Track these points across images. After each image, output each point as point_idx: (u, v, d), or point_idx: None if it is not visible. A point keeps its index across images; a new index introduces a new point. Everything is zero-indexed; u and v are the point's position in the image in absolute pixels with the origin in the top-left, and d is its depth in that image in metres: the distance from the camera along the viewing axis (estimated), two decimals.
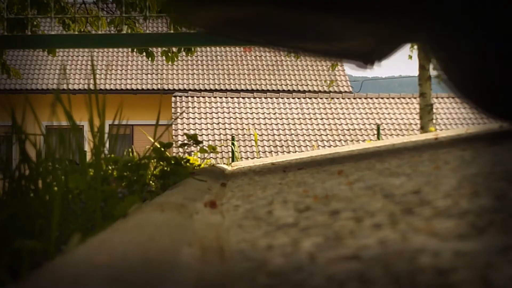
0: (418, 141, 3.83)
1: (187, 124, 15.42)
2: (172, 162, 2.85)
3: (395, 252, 0.56)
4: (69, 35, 6.07)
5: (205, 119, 15.73)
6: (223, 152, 13.17)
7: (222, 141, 14.20)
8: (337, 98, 16.56)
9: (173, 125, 14.78)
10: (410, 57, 10.81)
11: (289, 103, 16.30)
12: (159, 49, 8.20)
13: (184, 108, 15.91)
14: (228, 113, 15.95)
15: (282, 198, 1.20)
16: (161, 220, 0.89)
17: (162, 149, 2.42)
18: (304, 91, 17.54)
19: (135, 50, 8.06)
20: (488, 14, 1.92)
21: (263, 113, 15.93)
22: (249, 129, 15.01)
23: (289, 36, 2.22)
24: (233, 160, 8.54)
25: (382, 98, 16.73)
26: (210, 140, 14.65)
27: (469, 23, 1.96)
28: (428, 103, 9.35)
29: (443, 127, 10.22)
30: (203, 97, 16.46)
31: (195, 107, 16.04)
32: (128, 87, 17.63)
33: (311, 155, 4.44)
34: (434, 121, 8.36)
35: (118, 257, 0.60)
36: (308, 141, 14.77)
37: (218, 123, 15.62)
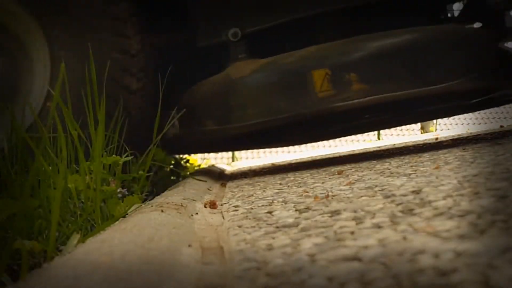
0: (419, 141, 3.83)
1: None
2: (172, 162, 2.85)
3: (396, 252, 0.56)
4: None
5: None
6: (223, 152, 13.13)
7: None
8: None
9: None
10: None
11: None
12: None
13: None
14: None
15: (282, 199, 1.20)
16: (161, 220, 0.89)
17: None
18: None
19: None
20: None
21: None
22: None
23: None
24: (233, 160, 8.53)
25: None
26: None
27: None
28: None
29: (443, 127, 10.21)
30: None
31: None
32: None
33: (311, 155, 4.44)
34: (434, 121, 8.36)
35: (117, 258, 0.59)
36: None
37: None
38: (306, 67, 2.07)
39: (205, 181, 1.96)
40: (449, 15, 2.61)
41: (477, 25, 2.46)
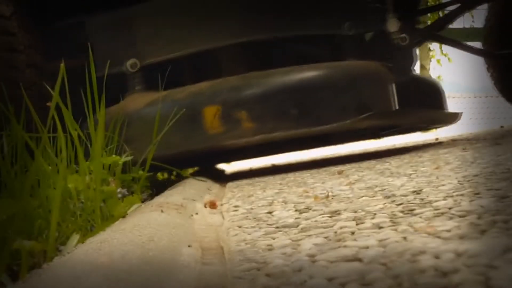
0: (419, 141, 3.83)
1: None
2: None
3: (396, 253, 0.56)
4: None
5: None
6: None
7: None
8: None
9: None
10: None
11: None
12: None
13: None
14: None
15: (282, 199, 1.20)
16: (160, 221, 0.88)
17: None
18: None
19: None
20: None
21: None
22: None
23: None
24: None
25: None
26: None
27: None
28: None
29: (444, 127, 10.21)
30: None
31: None
32: None
33: (311, 155, 4.44)
34: None
35: (117, 258, 0.59)
36: None
37: None
38: (198, 103, 2.06)
39: (205, 181, 1.96)
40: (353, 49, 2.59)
41: (381, 61, 2.47)
